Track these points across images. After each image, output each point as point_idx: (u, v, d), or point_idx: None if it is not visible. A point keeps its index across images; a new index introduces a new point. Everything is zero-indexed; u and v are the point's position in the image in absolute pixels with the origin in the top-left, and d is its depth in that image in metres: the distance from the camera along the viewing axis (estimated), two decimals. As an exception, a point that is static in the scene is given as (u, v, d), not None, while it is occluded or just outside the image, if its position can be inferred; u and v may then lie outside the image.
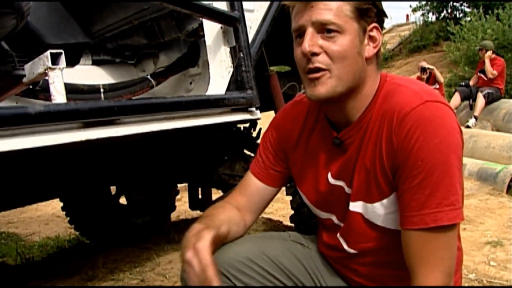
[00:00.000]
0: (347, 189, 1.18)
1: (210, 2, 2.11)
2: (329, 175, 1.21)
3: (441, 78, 8.16)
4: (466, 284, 2.35)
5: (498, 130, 6.46)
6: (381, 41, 1.13)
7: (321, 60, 1.06)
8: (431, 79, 7.98)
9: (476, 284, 2.38)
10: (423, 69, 7.93)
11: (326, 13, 1.05)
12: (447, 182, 0.99)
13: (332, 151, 1.20)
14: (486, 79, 7.26)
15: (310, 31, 1.06)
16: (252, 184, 1.35)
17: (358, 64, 1.09)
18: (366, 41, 1.10)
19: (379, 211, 1.12)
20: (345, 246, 1.22)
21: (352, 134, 1.14)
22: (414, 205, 1.01)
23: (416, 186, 1.01)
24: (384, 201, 1.10)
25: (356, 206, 1.16)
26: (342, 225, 1.22)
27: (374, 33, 1.10)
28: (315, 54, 1.06)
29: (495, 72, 7.13)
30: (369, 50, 1.10)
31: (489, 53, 7.22)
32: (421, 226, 1.01)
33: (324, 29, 1.06)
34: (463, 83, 7.74)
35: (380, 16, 1.12)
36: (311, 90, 1.10)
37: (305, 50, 1.06)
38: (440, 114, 1.02)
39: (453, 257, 1.04)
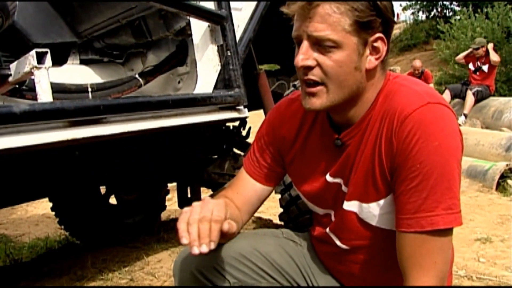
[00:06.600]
0: (343, 188, 1.17)
1: (198, 1, 2.11)
2: (328, 174, 1.19)
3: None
4: (456, 281, 2.36)
5: (487, 128, 6.49)
6: (385, 51, 1.05)
7: (315, 73, 1.03)
8: (422, 78, 8.03)
9: (465, 280, 2.39)
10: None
11: (322, 27, 0.99)
12: (444, 186, 0.97)
13: (332, 151, 1.18)
14: (478, 74, 7.29)
15: (305, 44, 1.02)
16: (249, 184, 1.33)
17: (355, 78, 1.04)
18: (368, 52, 1.04)
19: (374, 211, 1.10)
20: (338, 242, 1.22)
21: (353, 135, 1.12)
22: (410, 208, 0.99)
23: (413, 188, 0.99)
24: (381, 201, 1.08)
25: (350, 206, 1.14)
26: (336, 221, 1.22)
27: (378, 43, 1.04)
28: (309, 68, 1.03)
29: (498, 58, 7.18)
30: (371, 61, 1.05)
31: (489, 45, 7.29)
32: (416, 229, 0.99)
33: (319, 42, 1.01)
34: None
35: (388, 24, 1.04)
36: (305, 101, 1.08)
37: (298, 64, 1.03)
38: (441, 116, 1.00)
39: (446, 262, 1.02)
